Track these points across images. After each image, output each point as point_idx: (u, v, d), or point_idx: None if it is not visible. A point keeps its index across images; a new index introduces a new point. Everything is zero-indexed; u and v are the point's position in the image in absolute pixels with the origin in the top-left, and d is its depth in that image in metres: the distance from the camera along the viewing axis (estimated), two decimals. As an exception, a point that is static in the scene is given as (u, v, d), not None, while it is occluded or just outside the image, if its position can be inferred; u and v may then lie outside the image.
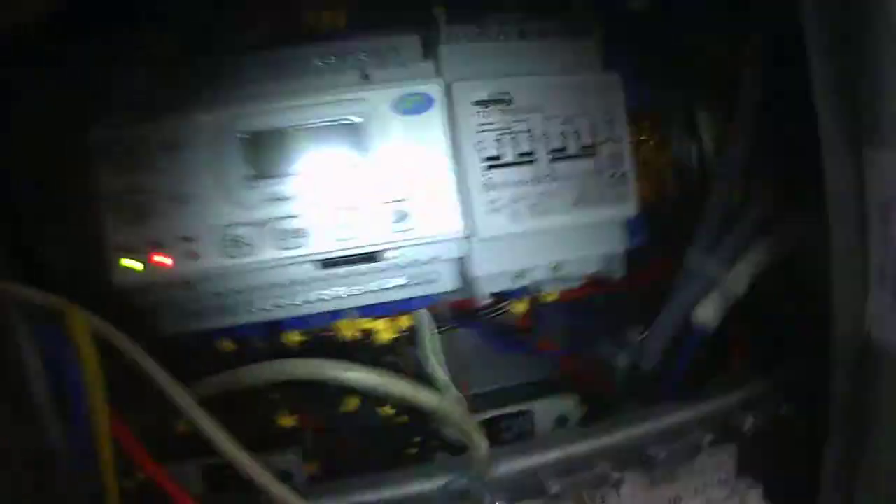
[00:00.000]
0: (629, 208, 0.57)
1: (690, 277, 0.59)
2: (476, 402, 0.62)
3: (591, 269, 0.59)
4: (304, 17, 0.55)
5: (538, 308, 0.64)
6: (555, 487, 0.51)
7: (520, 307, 0.63)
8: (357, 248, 0.53)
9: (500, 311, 0.63)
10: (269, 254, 0.52)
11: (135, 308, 0.53)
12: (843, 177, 0.44)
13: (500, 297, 0.61)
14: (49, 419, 0.43)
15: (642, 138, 0.61)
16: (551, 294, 0.62)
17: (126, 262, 0.51)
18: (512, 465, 0.53)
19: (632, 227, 0.60)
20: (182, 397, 0.46)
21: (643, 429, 0.55)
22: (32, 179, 0.54)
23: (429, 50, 0.55)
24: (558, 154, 0.55)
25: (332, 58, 0.54)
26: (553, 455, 0.53)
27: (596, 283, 0.63)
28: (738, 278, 0.57)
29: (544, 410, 0.64)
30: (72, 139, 0.51)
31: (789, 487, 0.61)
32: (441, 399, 0.52)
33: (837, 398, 0.49)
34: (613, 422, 0.56)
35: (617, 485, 0.53)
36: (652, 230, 0.62)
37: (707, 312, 0.58)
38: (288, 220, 0.52)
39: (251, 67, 0.53)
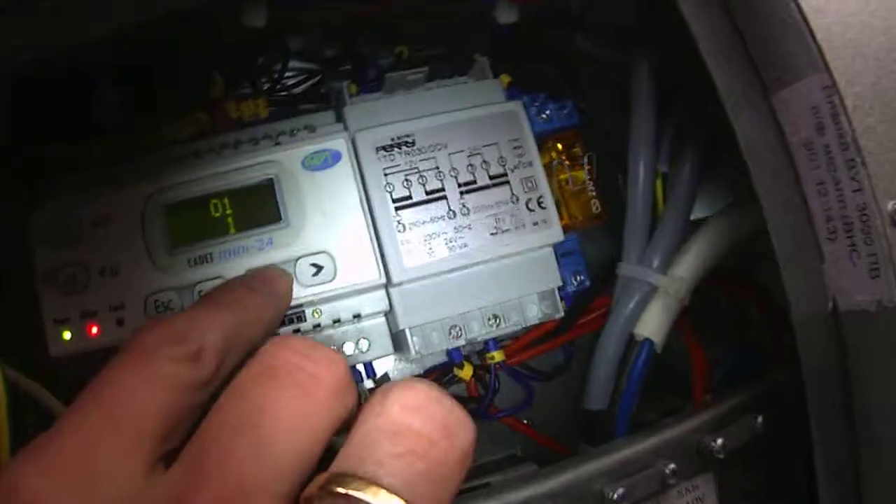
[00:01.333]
0: (553, 234, 0.56)
1: (626, 292, 0.57)
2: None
3: (531, 318, 0.57)
4: (228, 112, 0.58)
5: (485, 371, 0.61)
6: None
7: (465, 373, 0.60)
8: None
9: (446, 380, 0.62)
10: None
11: (77, 377, 0.54)
12: (758, 129, 0.44)
13: (444, 367, 0.60)
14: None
15: (556, 160, 0.60)
16: (497, 354, 0.59)
17: (61, 332, 0.52)
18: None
19: (567, 265, 0.59)
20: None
21: (592, 467, 0.49)
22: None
23: (339, 116, 0.58)
24: (468, 187, 0.55)
25: (248, 139, 0.56)
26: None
27: (538, 338, 0.61)
28: (676, 281, 0.54)
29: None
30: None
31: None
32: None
33: (815, 394, 0.45)
34: (560, 465, 0.50)
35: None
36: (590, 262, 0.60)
37: (650, 324, 0.55)
38: (212, 282, 0.52)
39: (177, 155, 0.56)
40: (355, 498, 0.25)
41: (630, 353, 0.56)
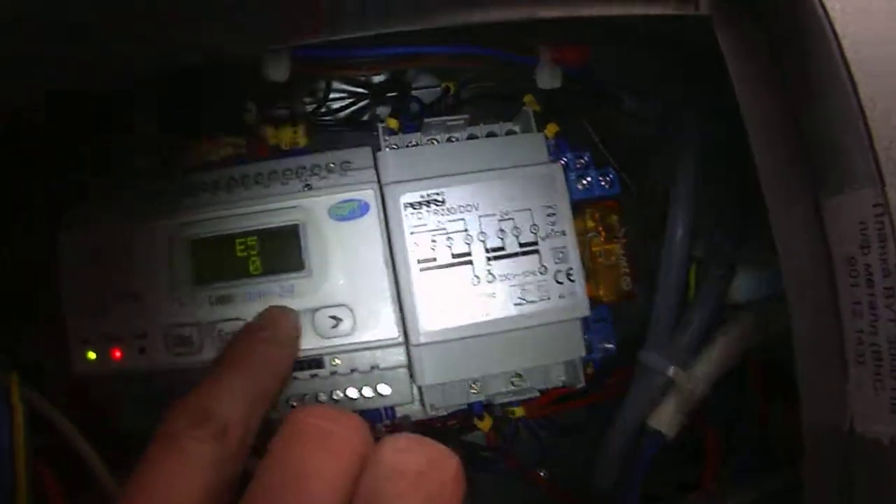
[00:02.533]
0: (579, 309, 0.54)
1: (645, 377, 0.55)
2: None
3: (554, 380, 0.56)
4: (266, 138, 0.58)
5: (505, 425, 0.61)
6: None
7: (484, 424, 0.59)
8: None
9: (464, 429, 0.61)
10: (213, 355, 0.51)
11: (95, 399, 0.56)
12: (800, 236, 0.41)
13: (465, 414, 0.59)
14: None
15: (592, 232, 0.58)
16: (518, 409, 0.59)
17: (85, 351, 0.54)
18: None
19: (596, 331, 0.57)
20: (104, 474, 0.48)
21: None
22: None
23: (375, 156, 0.56)
24: (496, 253, 0.54)
25: (280, 172, 0.55)
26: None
27: (560, 397, 0.59)
28: (696, 378, 0.53)
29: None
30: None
31: None
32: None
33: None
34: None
35: None
36: (618, 333, 0.58)
37: (663, 417, 0.54)
38: (232, 323, 0.53)
39: (209, 182, 0.56)
40: None
41: (641, 440, 0.55)
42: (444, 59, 0.57)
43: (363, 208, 0.54)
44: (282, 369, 0.45)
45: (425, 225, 0.54)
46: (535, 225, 0.54)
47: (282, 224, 0.54)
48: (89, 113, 0.57)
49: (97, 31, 0.43)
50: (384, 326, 0.53)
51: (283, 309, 0.52)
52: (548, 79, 0.56)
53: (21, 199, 0.59)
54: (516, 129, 0.58)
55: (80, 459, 0.49)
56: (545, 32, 0.56)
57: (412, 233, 0.53)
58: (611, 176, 0.57)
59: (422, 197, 0.54)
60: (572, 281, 0.54)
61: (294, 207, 0.54)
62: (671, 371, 0.54)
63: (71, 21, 0.41)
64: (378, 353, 0.54)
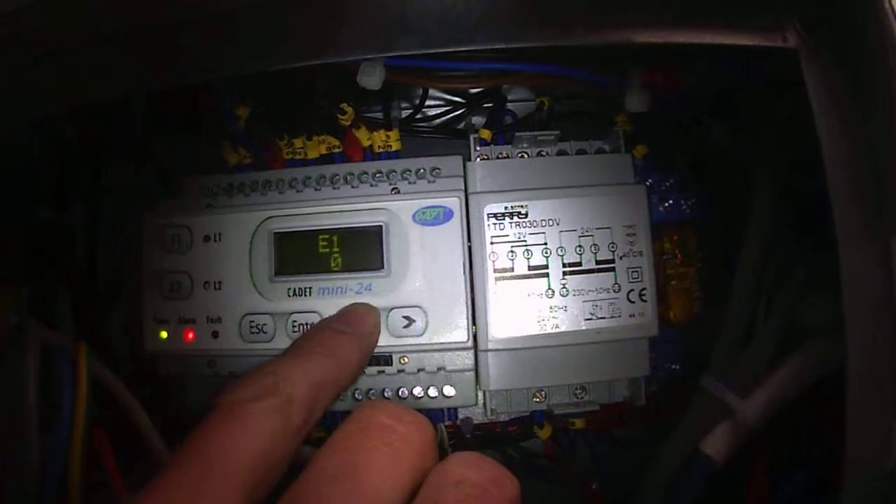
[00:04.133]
0: (648, 329, 0.55)
1: (703, 402, 0.56)
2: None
3: (616, 396, 0.57)
4: (360, 139, 0.59)
5: (563, 435, 0.62)
6: None
7: (544, 433, 0.60)
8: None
9: (522, 435, 0.61)
10: (285, 344, 0.54)
11: (161, 377, 0.59)
12: (866, 272, 0.41)
13: (525, 421, 0.60)
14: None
15: (668, 254, 0.58)
16: (579, 421, 0.60)
17: (158, 331, 0.57)
18: None
19: (663, 352, 0.58)
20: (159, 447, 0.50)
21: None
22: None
23: (464, 166, 0.57)
24: (573, 268, 0.55)
25: (371, 174, 0.57)
26: None
27: (621, 413, 0.60)
28: (753, 408, 0.53)
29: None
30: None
31: None
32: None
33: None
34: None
35: None
36: (684, 355, 0.59)
37: (715, 443, 0.54)
38: (307, 315, 0.55)
39: (300, 178, 0.58)
40: None
41: (690, 464, 0.55)
42: (535, 77, 0.57)
43: (447, 215, 0.55)
44: (355, 364, 0.46)
45: (506, 236, 0.55)
46: (613, 243, 0.55)
47: (366, 224, 0.55)
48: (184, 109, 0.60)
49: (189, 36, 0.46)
50: (455, 330, 0.54)
51: (367, 307, 0.53)
52: (636, 102, 0.56)
53: (115, 186, 0.61)
54: (606, 147, 0.58)
55: (137, 431, 0.51)
56: (638, 56, 0.57)
57: (492, 242, 0.55)
58: (693, 201, 0.58)
59: (505, 209, 0.55)
60: (644, 301, 0.55)
61: (380, 209, 0.55)
62: (729, 398, 0.54)
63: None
64: (446, 355, 0.56)
